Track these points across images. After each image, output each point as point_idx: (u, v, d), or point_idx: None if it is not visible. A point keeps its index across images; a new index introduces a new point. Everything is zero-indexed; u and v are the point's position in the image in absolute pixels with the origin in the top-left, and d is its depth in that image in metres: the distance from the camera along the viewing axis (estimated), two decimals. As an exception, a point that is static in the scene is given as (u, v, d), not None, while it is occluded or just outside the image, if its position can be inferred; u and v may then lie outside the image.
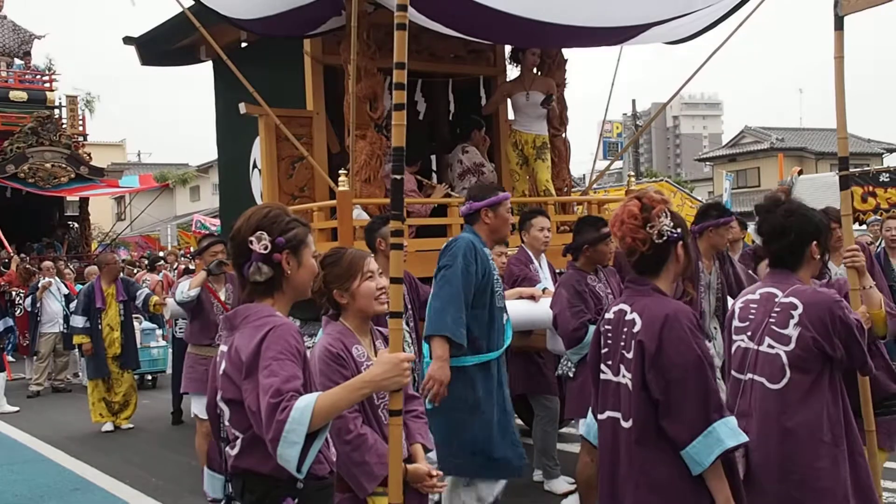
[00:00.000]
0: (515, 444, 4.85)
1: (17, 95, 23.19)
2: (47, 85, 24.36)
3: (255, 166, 8.14)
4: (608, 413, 3.10)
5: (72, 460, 8.32)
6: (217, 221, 19.32)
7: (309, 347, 3.24)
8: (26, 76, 24.23)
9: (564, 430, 7.18)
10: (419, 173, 7.82)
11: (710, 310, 5.76)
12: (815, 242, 3.52)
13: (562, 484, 6.32)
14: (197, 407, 6.92)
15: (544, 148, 8.06)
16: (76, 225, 24.24)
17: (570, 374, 5.47)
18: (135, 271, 16.89)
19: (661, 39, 7.70)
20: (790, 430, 3.31)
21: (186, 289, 7.01)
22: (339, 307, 3.45)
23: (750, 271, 6.24)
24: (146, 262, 18.47)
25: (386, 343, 3.45)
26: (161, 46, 9.17)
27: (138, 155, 53.77)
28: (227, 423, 2.65)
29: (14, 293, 14.40)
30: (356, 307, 3.41)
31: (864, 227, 13.62)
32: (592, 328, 5.07)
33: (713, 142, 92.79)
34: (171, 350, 10.89)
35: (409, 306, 5.50)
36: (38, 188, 21.19)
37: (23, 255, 18.56)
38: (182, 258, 20.00)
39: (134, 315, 10.63)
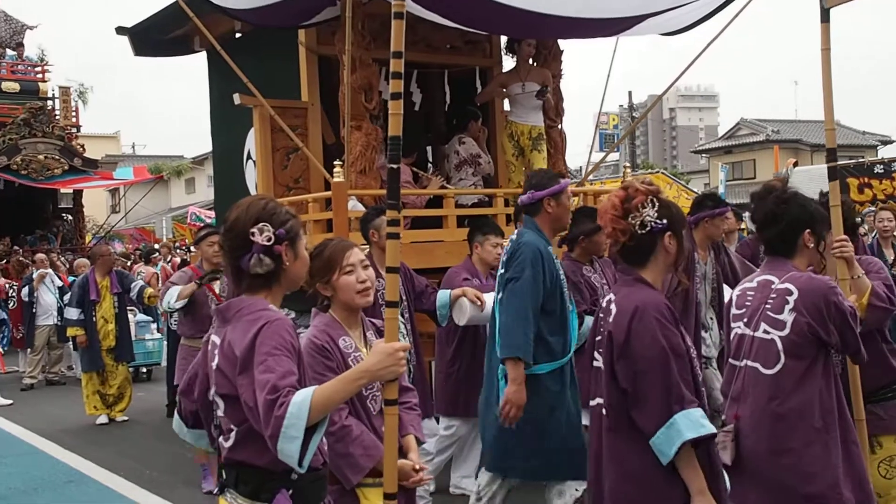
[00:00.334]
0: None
1: (10, 86, 23.09)
2: (40, 76, 24.25)
3: (249, 157, 8.10)
4: (597, 399, 3.18)
5: (66, 453, 8.29)
6: (213, 214, 19.26)
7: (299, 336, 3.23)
8: (18, 67, 24.12)
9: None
10: (415, 164, 7.79)
11: (705, 300, 5.76)
12: (808, 231, 3.52)
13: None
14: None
15: (540, 139, 8.04)
16: (70, 217, 24.16)
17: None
18: (128, 263, 16.84)
19: (656, 31, 7.68)
20: (782, 415, 3.33)
21: (174, 300, 6.94)
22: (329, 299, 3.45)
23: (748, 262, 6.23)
24: (139, 253, 18.43)
25: (377, 334, 3.44)
26: (154, 36, 9.12)
27: (133, 147, 53.67)
28: (221, 415, 2.63)
29: (8, 286, 14.34)
30: (339, 300, 3.40)
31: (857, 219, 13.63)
32: (588, 319, 5.08)
33: (709, 134, 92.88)
34: (166, 343, 10.86)
35: (405, 297, 5.48)
36: (31, 180, 21.10)
37: (16, 248, 18.52)
38: (177, 250, 19.95)
39: (129, 307, 10.60)
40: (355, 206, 6.68)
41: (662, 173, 27.26)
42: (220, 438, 2.66)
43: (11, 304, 14.08)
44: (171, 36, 9.02)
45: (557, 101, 8.40)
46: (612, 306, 3.08)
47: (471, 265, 6.07)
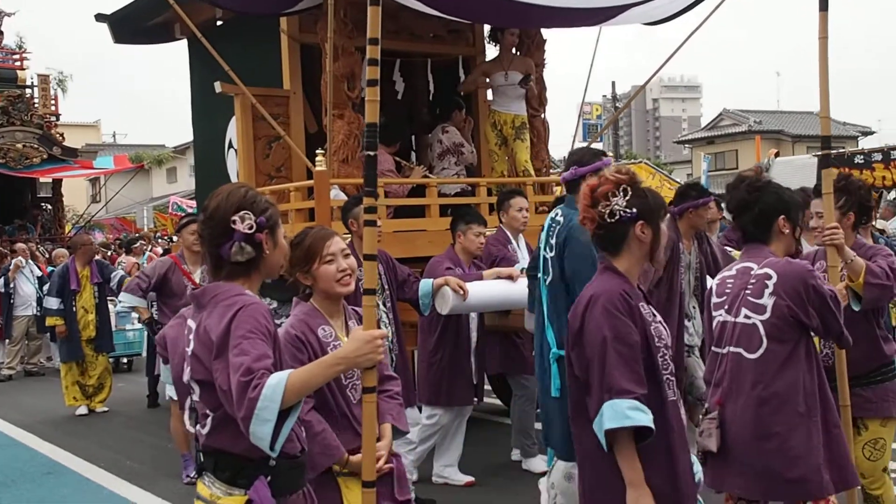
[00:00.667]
0: None
1: (-13, 74, 22.84)
2: (18, 64, 23.98)
3: (230, 146, 8.05)
4: None
5: (45, 444, 8.22)
6: (194, 203, 19.19)
7: (280, 326, 3.21)
8: (-4, 54, 23.86)
9: (542, 410, 7.18)
10: (398, 154, 7.76)
11: (689, 289, 5.77)
12: (783, 217, 3.55)
13: (539, 463, 6.32)
14: (172, 389, 6.85)
15: (523, 128, 8.03)
16: (49, 207, 23.94)
17: (549, 355, 5.44)
18: (109, 253, 16.71)
19: (639, 20, 7.68)
20: (766, 399, 3.35)
21: (128, 302, 7.30)
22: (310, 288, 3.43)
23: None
24: (119, 243, 18.29)
25: (360, 322, 3.42)
26: (134, 24, 9.04)
27: (113, 136, 53.24)
28: (196, 401, 2.62)
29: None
30: (320, 288, 3.39)
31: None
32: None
33: (692, 124, 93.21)
34: (146, 333, 10.79)
35: (387, 287, 5.46)
36: (9, 169, 20.88)
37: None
38: (158, 240, 19.84)
39: (109, 297, 10.52)
40: (337, 195, 6.65)
41: (645, 163, 27.29)
42: (197, 426, 2.65)
43: (-10, 294, 13.92)
44: (151, 23, 8.93)
45: (540, 90, 8.40)
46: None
47: (453, 254, 6.06)
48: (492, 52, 8.43)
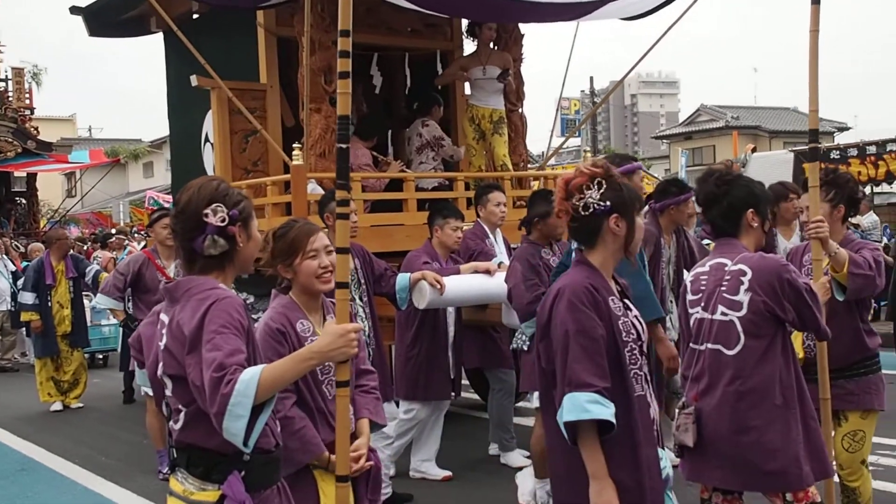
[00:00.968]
0: None
1: (-41, 68, 22.59)
2: (-9, 56, 23.73)
3: (207, 140, 8.00)
4: None
5: (19, 440, 8.15)
6: (171, 198, 19.05)
7: (257, 321, 3.19)
8: (-32, 47, 23.59)
9: (520, 403, 7.19)
10: (375, 149, 7.74)
11: (668, 284, 5.81)
12: (751, 210, 3.56)
13: (517, 457, 6.33)
14: (147, 385, 6.80)
15: (501, 122, 8.04)
16: (24, 201, 23.71)
17: (525, 348, 5.46)
18: (84, 248, 16.57)
19: (617, 15, 7.71)
20: (743, 394, 3.37)
21: (102, 303, 7.46)
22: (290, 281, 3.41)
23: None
24: (93, 238, 18.14)
25: None
26: (110, 17, 8.94)
27: (89, 130, 52.74)
28: (169, 395, 2.60)
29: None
30: (300, 283, 3.37)
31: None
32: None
33: (670, 120, 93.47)
34: (121, 328, 10.71)
35: (363, 281, 5.45)
36: (-18, 163, 20.71)
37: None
38: (134, 235, 19.69)
39: (84, 293, 10.45)
40: (314, 190, 6.62)
41: (623, 159, 27.41)
42: (170, 421, 2.63)
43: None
44: (126, 16, 8.85)
45: (518, 84, 8.41)
46: None
47: (431, 248, 6.05)
48: (469, 46, 8.43)
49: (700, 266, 3.68)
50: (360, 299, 5.39)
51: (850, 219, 4.54)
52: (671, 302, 5.78)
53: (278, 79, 7.63)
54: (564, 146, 13.00)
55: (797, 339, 4.15)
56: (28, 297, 9.76)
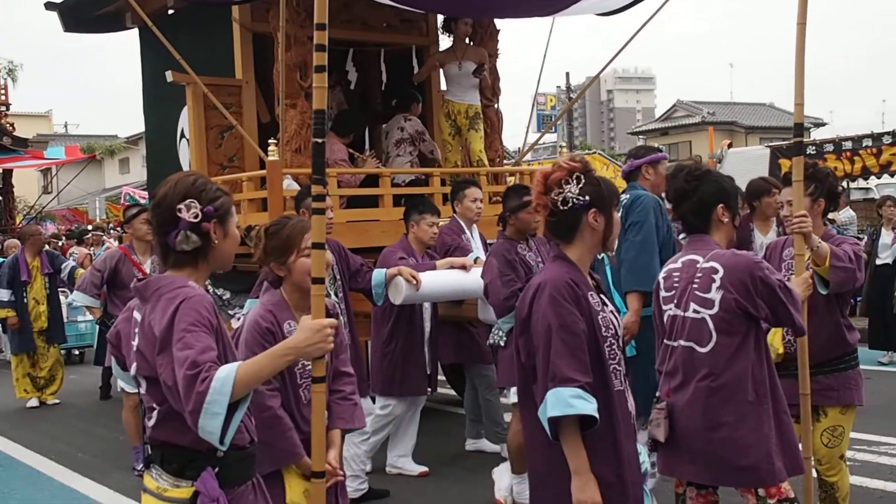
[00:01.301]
0: None
1: (-66, 63, 22.31)
2: (-34, 52, 23.49)
3: (182, 136, 7.97)
4: None
5: (-5, 437, 8.12)
6: (146, 194, 18.93)
7: (233, 317, 3.20)
8: (-57, 43, 23.34)
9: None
10: (352, 145, 7.74)
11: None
12: (721, 206, 3.57)
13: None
14: (124, 381, 6.79)
15: (477, 118, 8.05)
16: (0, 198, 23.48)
17: (502, 343, 5.49)
18: (60, 244, 16.44)
19: (592, 11, 7.73)
20: (715, 390, 3.38)
21: (80, 300, 7.49)
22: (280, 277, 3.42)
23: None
24: (70, 234, 17.99)
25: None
26: (85, 12, 8.87)
27: (65, 126, 52.32)
28: (143, 393, 2.60)
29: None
30: (292, 280, 3.38)
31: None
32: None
33: (646, 115, 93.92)
34: (98, 325, 10.66)
35: (339, 277, 5.46)
36: (-43, 159, 20.46)
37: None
38: (111, 230, 19.57)
39: (60, 289, 10.39)
40: (290, 185, 6.62)
41: (600, 154, 27.50)
42: (145, 419, 2.63)
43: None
44: (102, 12, 8.78)
45: (494, 80, 8.42)
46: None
47: (407, 244, 6.06)
48: (445, 41, 8.44)
49: (672, 262, 3.69)
50: (336, 295, 5.40)
51: (830, 212, 4.55)
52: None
53: (254, 74, 7.61)
54: (540, 142, 13.07)
55: (777, 334, 4.18)
56: (4, 294, 9.69)
